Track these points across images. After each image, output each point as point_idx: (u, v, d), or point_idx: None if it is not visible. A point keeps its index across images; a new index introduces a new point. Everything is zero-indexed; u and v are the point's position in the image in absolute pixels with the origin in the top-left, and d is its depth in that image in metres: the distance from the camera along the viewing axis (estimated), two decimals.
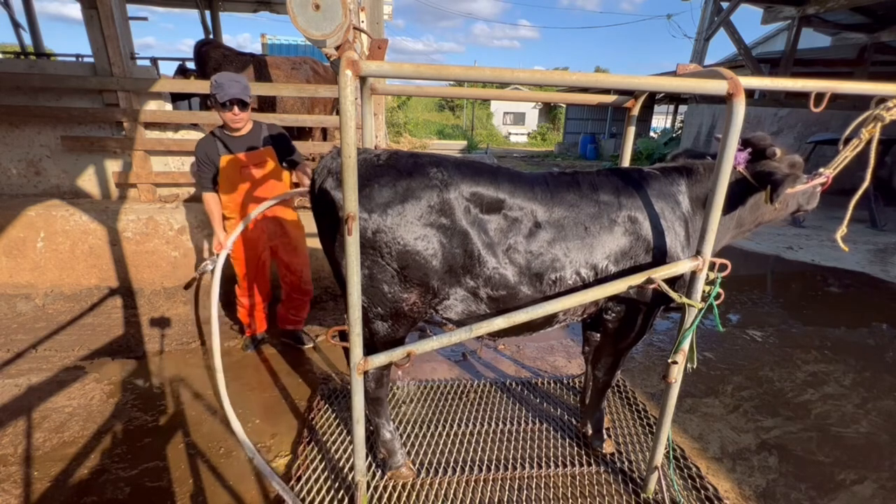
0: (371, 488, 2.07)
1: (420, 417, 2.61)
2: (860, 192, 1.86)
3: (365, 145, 2.51)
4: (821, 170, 1.99)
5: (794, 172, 1.90)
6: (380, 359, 1.71)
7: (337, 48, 1.40)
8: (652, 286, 1.71)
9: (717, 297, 1.70)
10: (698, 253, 1.69)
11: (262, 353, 3.28)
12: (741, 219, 2.04)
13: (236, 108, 2.69)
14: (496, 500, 2.06)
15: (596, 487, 2.14)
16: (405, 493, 2.07)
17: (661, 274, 1.68)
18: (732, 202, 1.89)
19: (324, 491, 2.05)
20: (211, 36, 8.24)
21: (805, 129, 9.32)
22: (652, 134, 22.60)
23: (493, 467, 2.23)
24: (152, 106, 4.10)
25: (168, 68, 14.10)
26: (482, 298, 1.83)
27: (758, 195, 1.94)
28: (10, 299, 3.78)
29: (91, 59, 4.00)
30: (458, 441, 2.42)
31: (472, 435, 2.47)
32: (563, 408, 2.73)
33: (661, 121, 28.24)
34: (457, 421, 2.58)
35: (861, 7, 8.70)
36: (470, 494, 2.08)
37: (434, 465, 2.25)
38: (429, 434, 2.47)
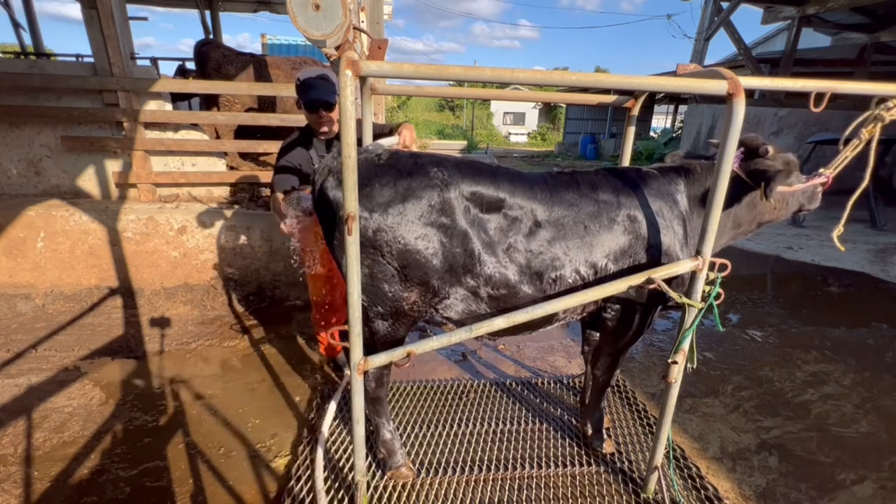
0: (371, 488, 2.07)
1: (420, 417, 2.61)
2: (859, 191, 1.86)
3: (365, 146, 2.50)
4: (821, 170, 1.99)
5: (788, 169, 1.91)
6: (380, 359, 1.71)
7: (337, 48, 1.40)
8: (652, 286, 1.71)
9: (717, 297, 1.70)
10: (698, 253, 1.69)
11: (262, 353, 3.28)
12: (739, 218, 2.04)
13: (322, 111, 2.43)
14: (496, 500, 2.06)
15: (596, 487, 2.14)
16: (405, 493, 2.07)
17: (661, 274, 1.68)
18: (728, 201, 1.90)
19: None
20: (211, 36, 8.25)
21: (805, 129, 9.32)
22: (652, 134, 22.60)
23: (493, 467, 2.23)
24: (152, 106, 4.10)
25: (168, 68, 14.13)
26: (482, 298, 1.84)
27: (754, 193, 1.95)
28: (10, 299, 3.78)
29: (91, 59, 4.00)
30: (458, 441, 2.42)
31: (472, 435, 2.47)
32: (563, 408, 2.73)
33: (661, 121, 28.24)
34: (457, 421, 2.58)
35: (861, 7, 8.71)
36: (470, 494, 2.08)
37: (434, 465, 2.25)
38: (429, 434, 2.47)
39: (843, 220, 1.93)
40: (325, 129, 2.52)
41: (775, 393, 2.99)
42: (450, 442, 2.41)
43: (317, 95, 2.39)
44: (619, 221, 1.84)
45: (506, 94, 2.64)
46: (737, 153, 1.92)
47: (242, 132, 5.32)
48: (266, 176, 4.50)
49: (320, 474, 1.96)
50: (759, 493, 2.19)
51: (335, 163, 1.77)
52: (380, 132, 2.52)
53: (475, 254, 1.75)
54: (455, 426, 2.53)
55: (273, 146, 4.58)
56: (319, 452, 2.02)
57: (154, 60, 9.03)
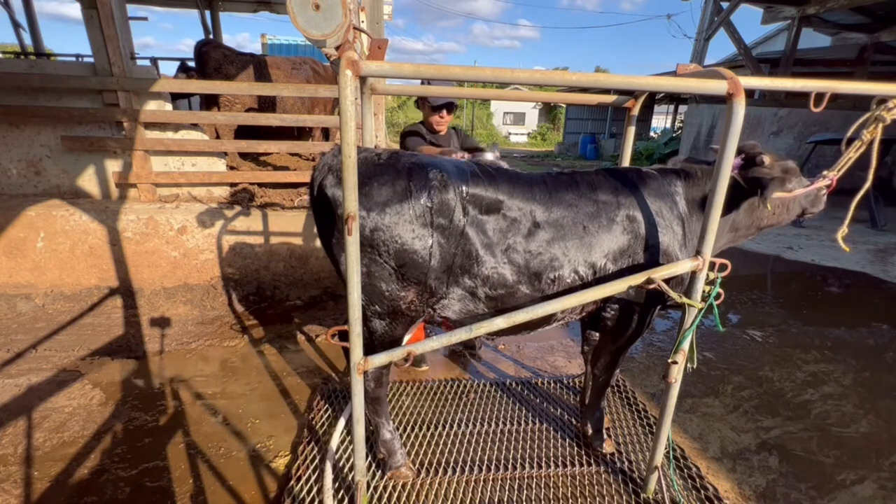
0: (371, 488, 2.07)
1: (420, 417, 2.61)
2: (862, 192, 1.85)
3: (365, 145, 2.51)
4: (824, 172, 1.98)
5: (785, 176, 1.91)
6: (380, 358, 1.71)
7: (337, 48, 1.40)
8: (652, 286, 1.71)
9: (717, 297, 1.70)
10: (698, 253, 1.69)
11: (262, 353, 3.28)
12: (736, 222, 2.05)
13: (444, 112, 2.83)
14: (496, 500, 2.06)
15: (596, 487, 2.14)
16: (405, 493, 2.07)
17: (661, 274, 1.68)
18: (727, 205, 1.90)
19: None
20: (211, 36, 8.25)
21: (805, 128, 9.32)
22: (652, 134, 22.60)
23: (493, 467, 2.23)
24: (152, 106, 4.10)
25: (168, 68, 14.12)
26: (480, 298, 1.83)
27: (752, 199, 1.95)
28: (10, 299, 3.78)
29: (91, 59, 4.00)
30: (458, 441, 2.42)
31: (472, 435, 2.47)
32: (563, 408, 2.73)
33: (661, 121, 28.24)
34: (457, 421, 2.58)
35: (861, 7, 8.70)
36: (470, 494, 2.08)
37: (434, 465, 2.25)
38: (429, 434, 2.47)
39: (846, 222, 1.92)
40: (440, 126, 2.91)
41: (775, 393, 2.99)
42: (450, 442, 2.41)
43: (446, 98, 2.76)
44: (618, 222, 1.85)
45: (506, 94, 2.64)
46: (737, 160, 1.92)
47: (242, 132, 5.32)
48: (266, 176, 4.51)
49: (329, 486, 1.95)
50: (759, 493, 2.19)
51: (335, 161, 1.77)
52: (472, 146, 2.98)
53: (473, 254, 1.75)
54: (455, 426, 2.53)
55: (273, 146, 4.58)
56: (328, 467, 2.01)
57: (154, 60, 9.03)
